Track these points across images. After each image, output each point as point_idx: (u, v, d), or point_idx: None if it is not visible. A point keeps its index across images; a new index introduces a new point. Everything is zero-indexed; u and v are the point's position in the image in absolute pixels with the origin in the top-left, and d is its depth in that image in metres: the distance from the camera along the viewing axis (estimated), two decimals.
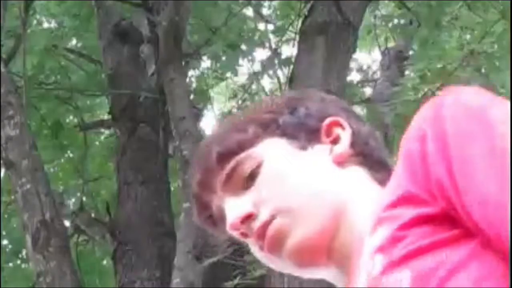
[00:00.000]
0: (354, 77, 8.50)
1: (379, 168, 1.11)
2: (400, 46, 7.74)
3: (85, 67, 7.34)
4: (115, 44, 6.48)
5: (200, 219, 1.16)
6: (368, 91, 8.30)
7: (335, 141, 1.11)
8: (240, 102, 7.59)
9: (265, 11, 7.74)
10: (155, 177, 6.04)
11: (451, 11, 6.10)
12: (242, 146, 1.10)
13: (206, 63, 7.73)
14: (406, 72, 7.09)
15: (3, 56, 5.53)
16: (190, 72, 7.51)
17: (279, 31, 7.10)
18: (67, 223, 5.86)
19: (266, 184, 1.07)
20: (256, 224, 1.06)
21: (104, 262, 7.53)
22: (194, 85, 7.72)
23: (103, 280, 7.19)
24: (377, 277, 0.85)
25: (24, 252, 7.25)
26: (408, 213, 0.85)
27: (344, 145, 1.11)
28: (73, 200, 7.50)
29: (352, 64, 7.64)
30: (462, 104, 0.87)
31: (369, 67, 8.91)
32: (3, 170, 6.23)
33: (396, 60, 7.56)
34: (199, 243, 4.88)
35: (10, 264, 7.68)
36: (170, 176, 6.25)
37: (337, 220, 1.04)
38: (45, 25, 7.72)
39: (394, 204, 0.87)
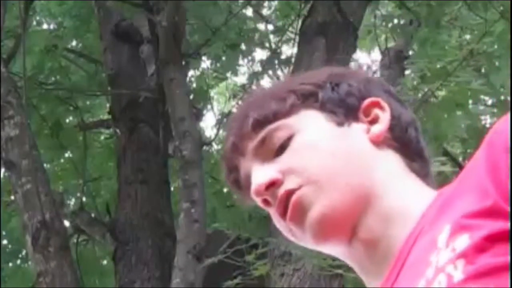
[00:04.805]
0: None
1: (416, 158, 1.07)
2: (400, 46, 7.73)
3: (85, 67, 7.34)
4: (115, 44, 6.48)
5: (228, 181, 1.14)
6: None
7: (374, 121, 1.08)
8: (240, 102, 7.58)
9: (265, 11, 7.74)
10: (155, 177, 6.03)
11: (451, 11, 6.09)
12: (277, 116, 1.08)
13: (206, 63, 7.73)
14: (406, 72, 7.08)
15: (3, 56, 5.53)
16: (190, 72, 7.51)
17: (279, 31, 7.10)
18: (67, 223, 5.86)
19: (296, 153, 1.05)
20: (281, 191, 1.04)
21: (104, 262, 7.53)
22: (194, 85, 7.71)
23: (103, 280, 7.19)
24: (459, 283, 0.80)
25: (24, 252, 7.26)
26: (495, 225, 0.80)
27: (382, 126, 1.07)
28: (73, 200, 7.50)
29: (352, 64, 7.63)
30: None
31: (369, 67, 8.90)
32: (3, 170, 6.23)
33: (396, 60, 7.55)
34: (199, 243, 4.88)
35: (10, 264, 7.68)
36: (170, 176, 6.25)
37: (366, 200, 1.01)
38: (45, 25, 7.73)
39: (480, 214, 0.82)
